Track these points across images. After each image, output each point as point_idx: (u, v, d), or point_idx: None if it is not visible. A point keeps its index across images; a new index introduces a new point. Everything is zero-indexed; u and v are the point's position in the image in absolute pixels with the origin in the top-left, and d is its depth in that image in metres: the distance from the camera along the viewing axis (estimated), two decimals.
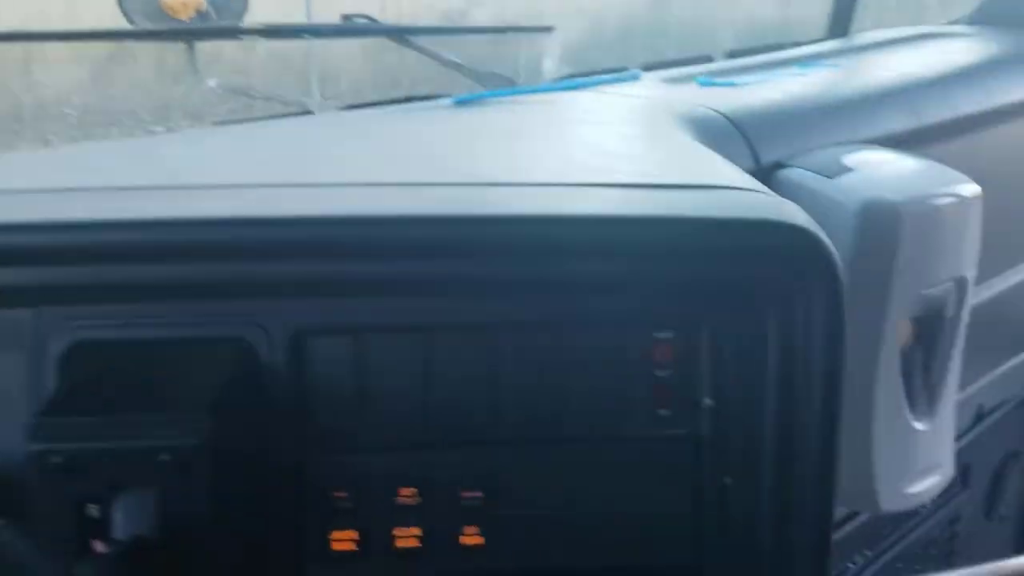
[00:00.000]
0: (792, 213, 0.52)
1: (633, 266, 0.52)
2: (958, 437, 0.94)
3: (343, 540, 0.53)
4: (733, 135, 0.80)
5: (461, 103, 0.90)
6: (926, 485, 0.81)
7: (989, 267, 1.01)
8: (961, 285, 0.80)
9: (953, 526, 1.20)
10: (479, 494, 0.53)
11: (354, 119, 0.91)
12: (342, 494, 0.53)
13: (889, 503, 0.78)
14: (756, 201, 0.55)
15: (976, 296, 0.85)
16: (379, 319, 0.53)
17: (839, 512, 0.97)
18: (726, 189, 0.57)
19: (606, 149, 0.71)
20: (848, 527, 0.98)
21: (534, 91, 0.95)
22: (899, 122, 0.91)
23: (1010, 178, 1.02)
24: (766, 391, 0.54)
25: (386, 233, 0.51)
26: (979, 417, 1.14)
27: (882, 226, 0.73)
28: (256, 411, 0.52)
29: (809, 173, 0.78)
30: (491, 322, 0.54)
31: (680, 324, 0.55)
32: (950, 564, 1.21)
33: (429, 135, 0.79)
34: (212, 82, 1.10)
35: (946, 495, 1.18)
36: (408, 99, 0.99)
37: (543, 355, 0.54)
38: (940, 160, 0.82)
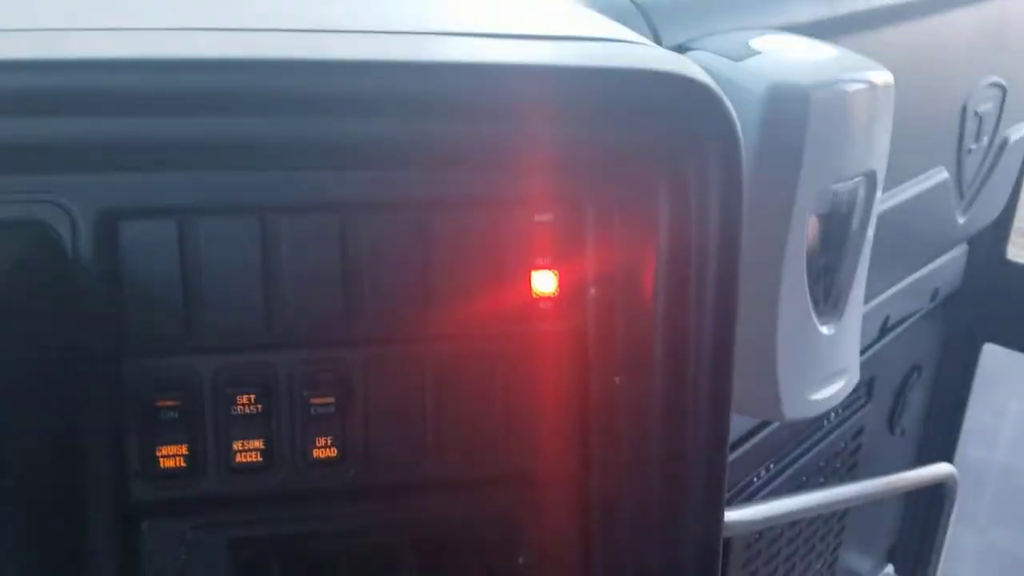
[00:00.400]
0: (685, 64, 0.45)
1: (504, 128, 0.44)
2: (863, 350, 0.92)
3: (171, 456, 0.45)
4: (632, 13, 0.72)
5: None
6: (831, 391, 0.78)
7: (896, 174, 0.97)
8: (871, 180, 0.75)
9: (857, 439, 1.20)
10: (330, 400, 0.46)
11: None
12: (169, 402, 0.45)
13: (792, 410, 0.75)
14: (645, 53, 0.48)
15: (883, 204, 0.81)
16: (207, 198, 0.45)
17: (742, 426, 0.93)
18: (610, 41, 0.49)
19: (474, 5, 0.63)
20: (751, 441, 0.95)
21: None
22: (811, 10, 0.85)
23: (922, 77, 0.98)
24: (657, 279, 0.47)
25: (207, 79, 0.42)
26: (884, 329, 1.13)
27: (789, 112, 0.67)
28: (56, 307, 0.43)
29: (713, 56, 0.71)
30: (341, 201, 0.46)
31: (561, 205, 0.48)
32: (853, 477, 1.20)
33: None
34: None
35: (850, 408, 1.17)
36: None
37: (403, 241, 0.46)
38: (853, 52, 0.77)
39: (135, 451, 0.45)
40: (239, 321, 0.45)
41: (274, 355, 0.46)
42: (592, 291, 0.49)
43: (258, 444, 0.46)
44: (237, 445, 0.45)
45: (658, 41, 0.74)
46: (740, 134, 0.45)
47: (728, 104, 0.45)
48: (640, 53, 0.47)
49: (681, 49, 0.74)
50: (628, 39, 0.50)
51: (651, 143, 0.45)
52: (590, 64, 0.45)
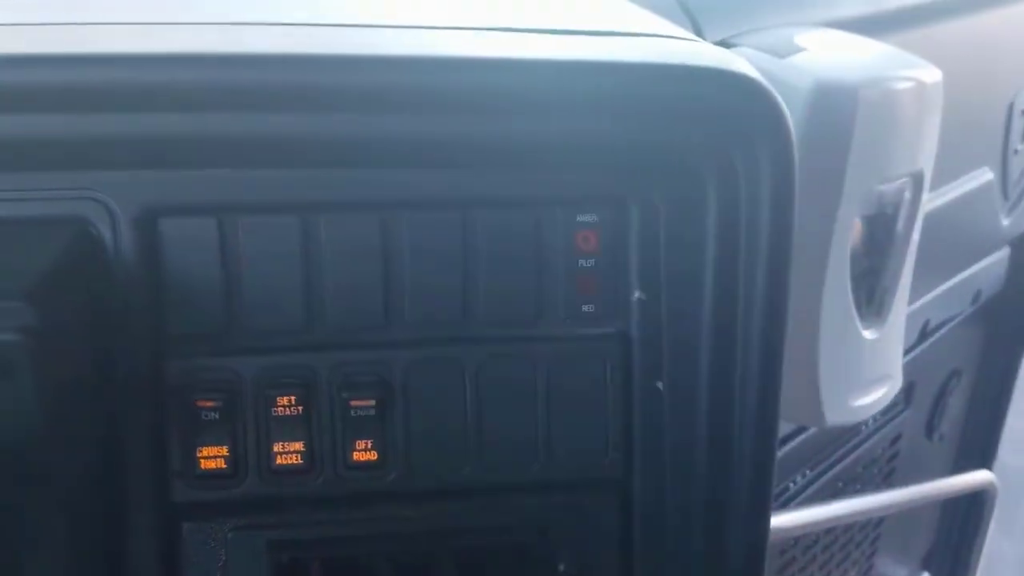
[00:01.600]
0: (735, 62, 0.44)
1: (548, 127, 0.43)
2: (904, 353, 0.90)
3: (212, 457, 0.44)
4: (674, 9, 0.71)
5: None
6: (873, 397, 0.76)
7: (940, 174, 0.95)
8: (917, 180, 0.73)
9: (895, 445, 1.17)
10: (371, 403, 0.45)
11: None
12: (209, 403, 0.44)
13: (834, 416, 0.73)
14: (694, 49, 0.46)
15: (927, 205, 0.79)
16: (248, 196, 0.44)
17: (780, 431, 0.92)
18: (658, 37, 0.48)
19: (522, 1, 0.62)
20: (788, 446, 0.94)
21: None
22: (856, 6, 0.83)
23: (968, 76, 0.95)
24: (704, 283, 0.46)
25: (252, 75, 0.41)
26: (924, 333, 1.10)
27: (836, 110, 0.65)
28: (97, 306, 0.43)
29: (757, 52, 0.70)
30: (384, 200, 0.45)
31: (606, 205, 0.47)
32: (890, 483, 1.18)
33: None
34: None
35: (888, 413, 1.14)
36: None
37: (446, 242, 0.46)
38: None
39: (176, 452, 0.44)
40: (280, 322, 0.45)
41: (315, 357, 0.45)
42: (636, 294, 0.48)
43: (298, 446, 0.45)
44: (277, 447, 0.45)
45: (700, 36, 0.73)
46: (792, 131, 0.44)
47: (779, 101, 0.43)
48: (689, 49, 0.46)
49: (724, 45, 0.73)
50: (676, 35, 0.49)
51: (699, 141, 0.44)
52: (639, 60, 0.44)
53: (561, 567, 0.48)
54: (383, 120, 0.43)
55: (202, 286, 0.44)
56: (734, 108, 0.43)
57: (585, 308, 0.48)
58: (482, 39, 0.47)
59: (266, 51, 0.42)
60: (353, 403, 0.45)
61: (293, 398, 0.45)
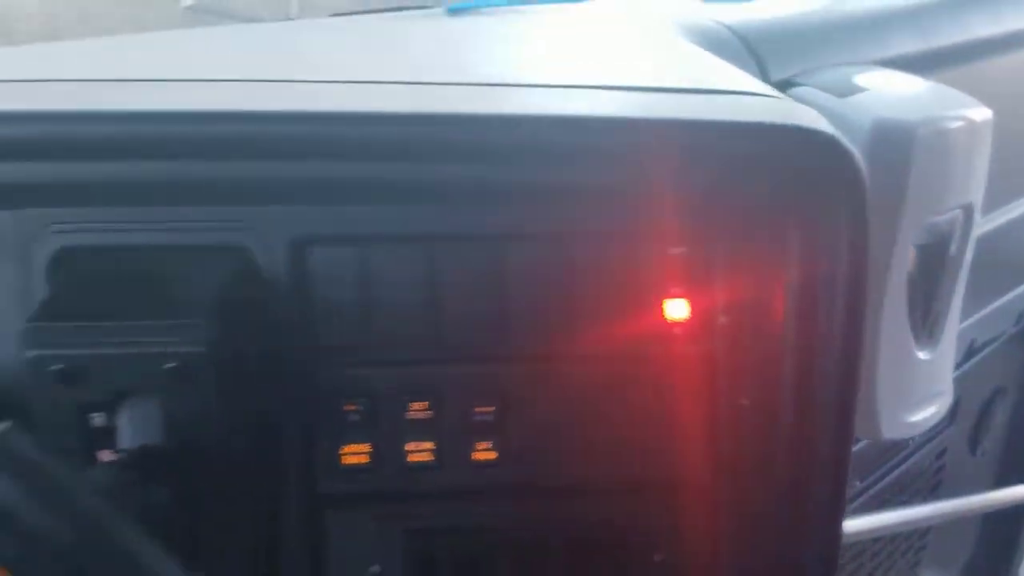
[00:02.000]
0: (816, 119, 0.50)
1: (644, 174, 0.49)
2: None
3: (354, 454, 0.51)
4: (740, 51, 0.77)
5: (455, 12, 0.86)
6: (926, 414, 0.81)
7: (988, 201, 1.00)
8: (968, 212, 0.79)
9: (939, 459, 1.22)
10: (491, 409, 0.52)
11: (341, 24, 0.87)
12: (353, 407, 0.51)
13: (890, 431, 0.78)
14: (776, 107, 0.52)
15: (976, 231, 0.84)
16: (382, 228, 0.51)
17: None
18: (742, 94, 0.54)
19: (610, 55, 0.68)
20: None
21: (528, 1, 0.92)
22: (908, 44, 0.88)
23: (1016, 109, 1.00)
24: (785, 310, 0.52)
25: (388, 131, 0.48)
26: (971, 351, 1.15)
27: (895, 147, 0.71)
28: (260, 321, 0.50)
29: (820, 92, 0.75)
30: (498, 233, 0.52)
31: (694, 239, 0.53)
32: (936, 496, 1.22)
33: (424, 40, 0.76)
34: (187, 1, 1.05)
35: (934, 429, 1.19)
36: (394, 9, 0.95)
37: (552, 269, 0.52)
38: (949, 85, 0.80)
39: (323, 449, 0.51)
40: (413, 337, 0.52)
41: (444, 369, 0.52)
42: (722, 319, 0.54)
43: (429, 446, 0.52)
44: (410, 446, 0.51)
45: (765, 76, 0.78)
46: (866, 182, 0.50)
47: (858, 158, 0.49)
48: (775, 108, 0.52)
49: (787, 84, 0.79)
50: (760, 91, 0.55)
51: (780, 192, 0.50)
52: (720, 119, 0.50)
53: (657, 557, 0.54)
54: (498, 169, 0.49)
55: (346, 305, 0.51)
56: (814, 165, 0.49)
57: (675, 330, 0.54)
58: (594, 97, 0.53)
59: (400, 110, 0.49)
60: (476, 409, 0.52)
61: (425, 404, 0.51)
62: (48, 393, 0.43)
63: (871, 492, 1.08)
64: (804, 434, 0.52)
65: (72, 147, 0.47)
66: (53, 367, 0.43)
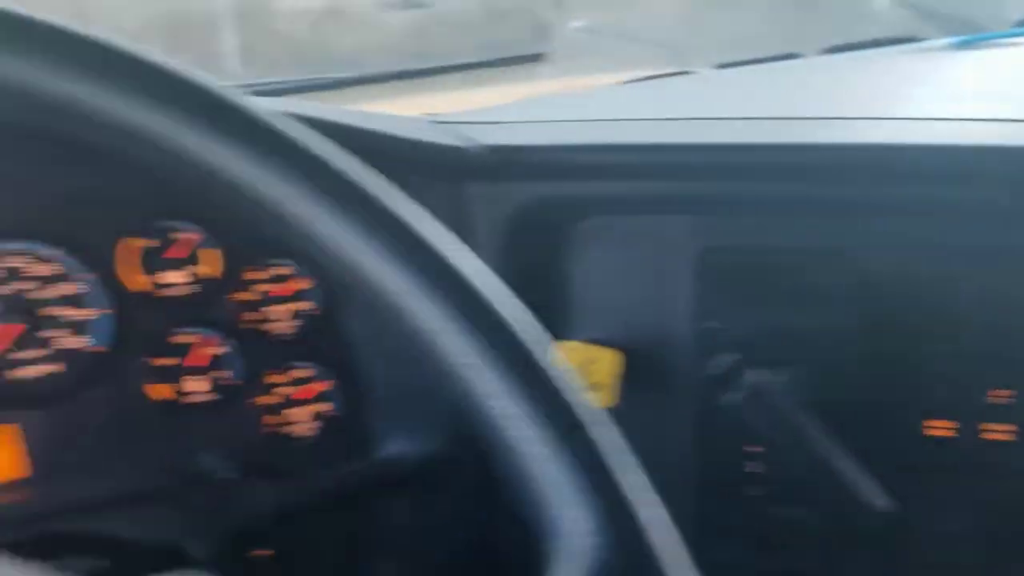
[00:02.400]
0: None
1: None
2: None
3: (939, 427, 0.62)
4: None
5: (964, 45, 0.92)
6: None
7: None
8: None
9: None
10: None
11: (856, 62, 0.97)
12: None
13: None
14: None
15: None
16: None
17: None
18: None
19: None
20: None
21: None
22: None
23: None
24: None
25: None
26: None
27: None
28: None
29: None
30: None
31: None
32: None
33: (932, 74, 0.84)
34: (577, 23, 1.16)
35: None
36: (875, 43, 1.03)
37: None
38: None
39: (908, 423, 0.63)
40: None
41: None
42: None
43: (1009, 428, 0.61)
44: (985, 426, 0.61)
45: None
46: None
47: None
48: None
49: None
50: None
51: None
52: None
53: None
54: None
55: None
56: None
57: None
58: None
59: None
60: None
61: (1008, 392, 0.60)
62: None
63: None
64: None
65: (720, 170, 0.63)
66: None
